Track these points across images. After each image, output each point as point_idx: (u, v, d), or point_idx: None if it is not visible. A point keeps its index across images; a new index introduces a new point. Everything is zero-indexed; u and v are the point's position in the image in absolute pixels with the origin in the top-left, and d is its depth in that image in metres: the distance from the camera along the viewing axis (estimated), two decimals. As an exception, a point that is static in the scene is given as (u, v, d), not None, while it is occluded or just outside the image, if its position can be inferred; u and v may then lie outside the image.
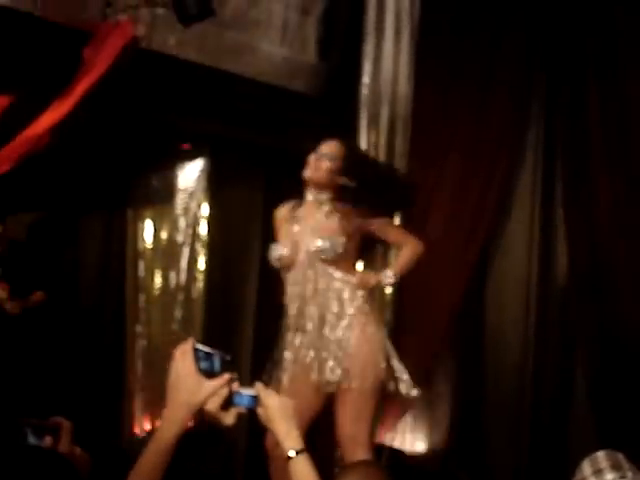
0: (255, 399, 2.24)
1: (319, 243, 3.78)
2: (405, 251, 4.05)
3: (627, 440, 4.36)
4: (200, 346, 2.00)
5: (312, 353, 3.82)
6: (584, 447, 4.55)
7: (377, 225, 3.97)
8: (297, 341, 3.87)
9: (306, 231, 3.86)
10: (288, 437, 2.23)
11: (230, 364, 2.01)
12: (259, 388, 2.29)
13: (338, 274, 3.83)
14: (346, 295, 3.81)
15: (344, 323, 3.79)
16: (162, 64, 4.37)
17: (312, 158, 3.85)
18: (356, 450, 3.70)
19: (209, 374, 1.97)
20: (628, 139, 4.58)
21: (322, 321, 3.81)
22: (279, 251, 3.86)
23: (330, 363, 3.76)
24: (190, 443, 2.18)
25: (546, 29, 5.02)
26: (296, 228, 3.89)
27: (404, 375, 3.83)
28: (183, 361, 1.96)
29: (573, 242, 4.87)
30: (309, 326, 3.82)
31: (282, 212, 4.01)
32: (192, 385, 1.94)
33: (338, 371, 3.75)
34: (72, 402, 4.83)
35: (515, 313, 5.16)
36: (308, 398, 3.80)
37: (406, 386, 3.84)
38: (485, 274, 5.28)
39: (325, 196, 3.86)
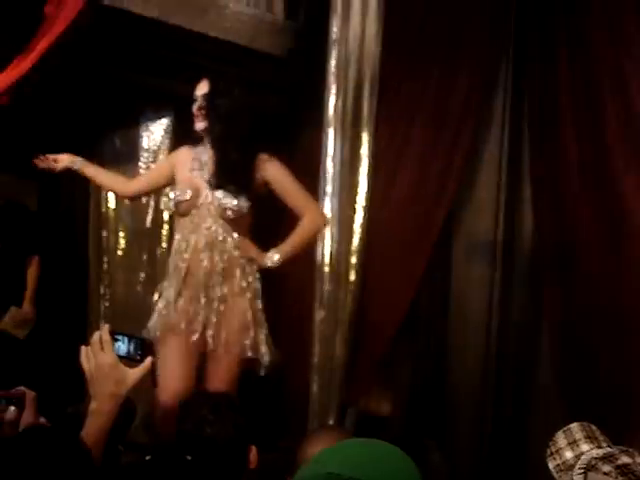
0: None
1: (225, 198, 3.48)
2: (302, 227, 3.62)
3: (591, 407, 4.43)
4: (117, 332, 1.98)
5: (191, 310, 3.50)
6: (548, 415, 4.68)
7: (273, 175, 3.57)
8: (173, 292, 3.52)
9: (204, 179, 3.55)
10: None
11: (149, 346, 2.01)
12: None
13: (235, 235, 3.55)
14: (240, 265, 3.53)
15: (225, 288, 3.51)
16: (126, 22, 4.27)
17: (194, 108, 3.55)
18: None
19: (130, 359, 1.97)
20: (596, 104, 4.58)
21: (209, 277, 3.52)
22: (183, 195, 3.53)
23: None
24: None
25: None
26: (196, 173, 3.57)
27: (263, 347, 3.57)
28: (103, 351, 1.94)
29: (539, 207, 4.89)
30: (194, 280, 3.52)
31: (181, 154, 3.70)
32: (117, 376, 1.92)
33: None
34: (36, 365, 4.78)
35: (481, 275, 5.17)
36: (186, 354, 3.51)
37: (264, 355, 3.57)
38: (452, 237, 5.27)
39: None
